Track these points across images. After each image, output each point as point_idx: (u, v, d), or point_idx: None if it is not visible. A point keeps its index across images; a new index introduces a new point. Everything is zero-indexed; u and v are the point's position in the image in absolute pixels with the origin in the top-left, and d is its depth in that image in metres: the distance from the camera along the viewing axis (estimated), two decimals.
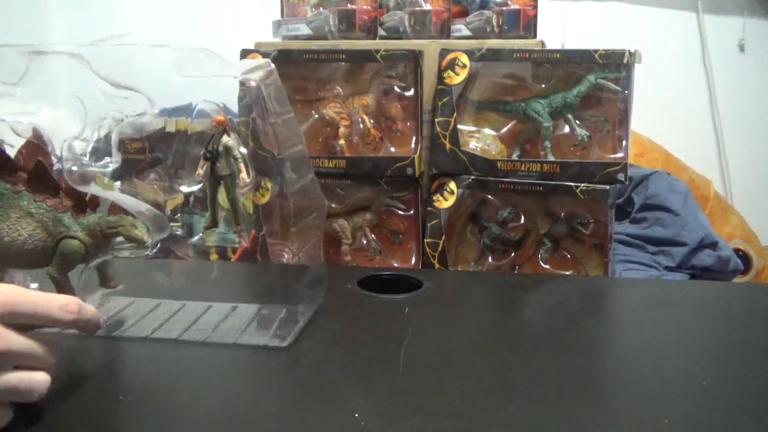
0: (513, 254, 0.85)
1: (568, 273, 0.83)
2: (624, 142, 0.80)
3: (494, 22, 0.86)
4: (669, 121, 1.81)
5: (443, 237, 0.83)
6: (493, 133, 0.85)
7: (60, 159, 0.51)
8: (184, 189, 0.59)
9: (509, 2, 0.87)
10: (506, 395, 0.46)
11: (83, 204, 0.52)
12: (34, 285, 0.56)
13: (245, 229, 0.64)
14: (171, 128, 0.65)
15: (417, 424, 0.41)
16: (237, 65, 0.54)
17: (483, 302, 0.69)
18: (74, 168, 0.51)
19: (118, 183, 0.68)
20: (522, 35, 0.86)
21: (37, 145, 0.52)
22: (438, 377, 0.48)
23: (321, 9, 0.91)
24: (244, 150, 0.58)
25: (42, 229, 0.50)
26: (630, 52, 0.77)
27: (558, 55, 0.80)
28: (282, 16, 0.96)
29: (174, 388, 0.47)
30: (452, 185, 0.83)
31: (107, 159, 0.53)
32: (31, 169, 0.50)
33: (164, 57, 0.50)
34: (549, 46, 0.85)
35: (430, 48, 0.83)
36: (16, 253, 0.50)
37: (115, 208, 0.52)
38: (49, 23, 2.03)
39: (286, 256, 0.88)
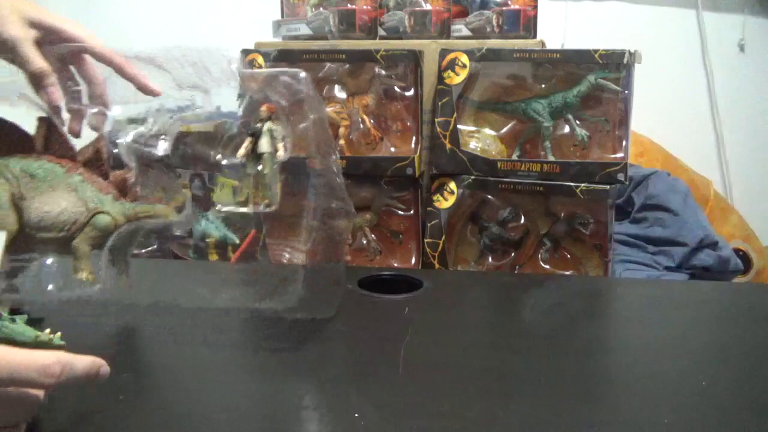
0: (513, 254, 0.85)
1: (568, 273, 0.83)
2: (624, 142, 0.80)
3: (494, 22, 0.86)
4: (669, 121, 1.80)
5: (443, 237, 0.83)
6: (493, 133, 0.85)
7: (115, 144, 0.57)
8: (225, 162, 0.62)
9: (509, 2, 0.87)
10: (506, 395, 0.46)
11: (124, 194, 0.56)
12: (50, 260, 0.56)
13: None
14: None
15: (417, 424, 0.41)
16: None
17: (483, 302, 0.69)
18: (129, 143, 0.56)
19: None
20: (522, 35, 0.86)
21: (99, 136, 0.57)
22: (438, 377, 0.48)
23: (321, 9, 0.91)
24: (283, 132, 0.60)
25: (82, 203, 0.53)
26: (630, 52, 0.77)
27: (558, 55, 0.80)
28: (282, 16, 0.96)
29: (174, 387, 0.47)
30: (452, 185, 0.83)
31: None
32: (89, 155, 0.55)
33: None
34: (549, 46, 0.85)
35: (430, 48, 0.83)
36: (48, 224, 0.53)
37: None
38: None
39: (287, 256, 0.88)
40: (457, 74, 0.82)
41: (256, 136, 0.60)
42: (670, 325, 0.60)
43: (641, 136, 1.70)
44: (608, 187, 0.77)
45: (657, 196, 1.42)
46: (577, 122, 0.81)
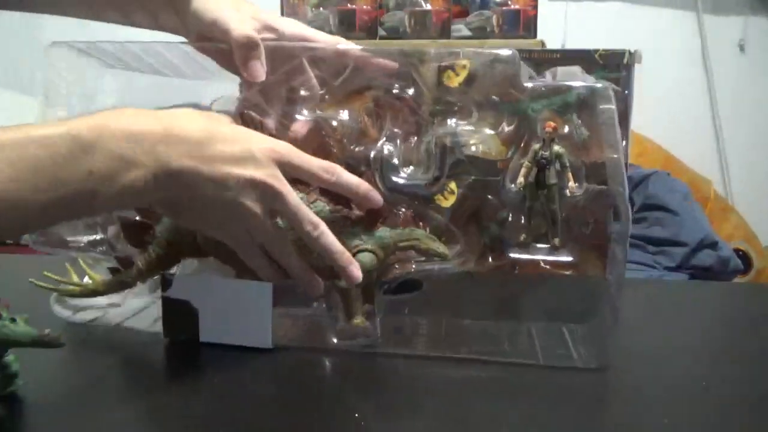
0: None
1: (567, 273, 0.83)
2: (624, 142, 0.80)
3: (494, 22, 0.86)
4: (669, 121, 1.80)
5: (443, 237, 0.83)
6: (493, 133, 0.85)
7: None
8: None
9: (509, 2, 0.87)
10: (506, 396, 0.46)
11: (374, 217, 0.50)
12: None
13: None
14: None
15: (417, 424, 0.41)
16: None
17: (483, 302, 0.69)
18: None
19: None
20: (522, 35, 0.86)
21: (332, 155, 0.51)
22: (438, 377, 0.48)
23: (321, 9, 0.91)
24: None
25: (340, 240, 0.48)
26: (630, 52, 0.77)
27: (558, 55, 0.80)
28: (282, 15, 0.96)
29: (172, 388, 0.47)
30: (452, 185, 0.83)
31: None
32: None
33: None
34: (549, 46, 0.85)
35: (429, 48, 0.83)
36: (311, 265, 0.49)
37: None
38: (49, 17, 2.02)
39: None
40: (457, 74, 0.81)
41: (548, 163, 0.54)
42: (670, 326, 0.60)
43: (641, 136, 1.70)
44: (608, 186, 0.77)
45: (657, 196, 1.42)
46: (579, 122, 0.81)
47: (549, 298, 0.62)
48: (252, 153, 0.44)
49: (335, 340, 0.52)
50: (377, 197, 0.48)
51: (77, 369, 0.49)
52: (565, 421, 0.42)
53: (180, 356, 0.52)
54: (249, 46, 0.51)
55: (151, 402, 0.44)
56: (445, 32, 0.88)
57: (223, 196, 0.43)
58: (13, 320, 0.41)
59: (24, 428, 0.40)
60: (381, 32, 0.91)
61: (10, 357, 0.42)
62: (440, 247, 0.51)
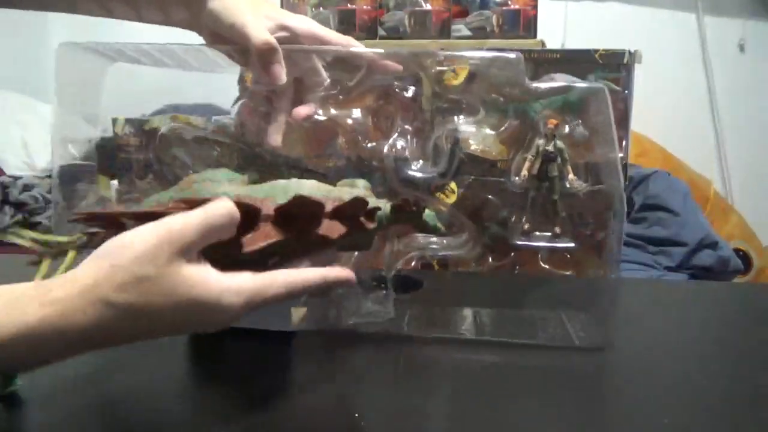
0: (513, 254, 0.85)
1: (568, 273, 0.83)
2: (624, 142, 0.80)
3: (494, 22, 0.86)
4: (669, 121, 1.80)
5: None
6: (493, 133, 0.85)
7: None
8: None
9: (509, 2, 0.87)
10: (506, 395, 0.46)
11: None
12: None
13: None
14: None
15: (417, 424, 0.41)
16: None
17: (483, 302, 0.69)
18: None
19: (115, 182, 0.67)
20: (522, 35, 0.86)
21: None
22: (438, 377, 0.48)
23: (321, 9, 0.91)
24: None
25: None
26: (630, 52, 0.77)
27: (558, 55, 0.80)
28: None
29: (173, 385, 0.47)
30: (452, 185, 0.83)
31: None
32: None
33: None
34: (549, 46, 0.85)
35: (430, 48, 0.83)
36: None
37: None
38: (49, 18, 2.03)
39: None
40: (457, 75, 0.81)
41: (554, 157, 0.56)
42: (670, 325, 0.60)
43: (641, 136, 1.70)
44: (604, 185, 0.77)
45: (657, 196, 1.42)
46: (579, 122, 0.81)
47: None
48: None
49: (351, 321, 0.54)
50: (353, 279, 0.42)
51: (78, 368, 0.49)
52: (564, 420, 0.42)
53: (160, 359, 0.52)
54: (269, 52, 0.51)
55: (151, 400, 0.44)
56: (445, 32, 0.87)
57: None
58: None
59: (24, 428, 0.40)
60: (381, 32, 0.91)
61: None
62: (430, 224, 0.49)
